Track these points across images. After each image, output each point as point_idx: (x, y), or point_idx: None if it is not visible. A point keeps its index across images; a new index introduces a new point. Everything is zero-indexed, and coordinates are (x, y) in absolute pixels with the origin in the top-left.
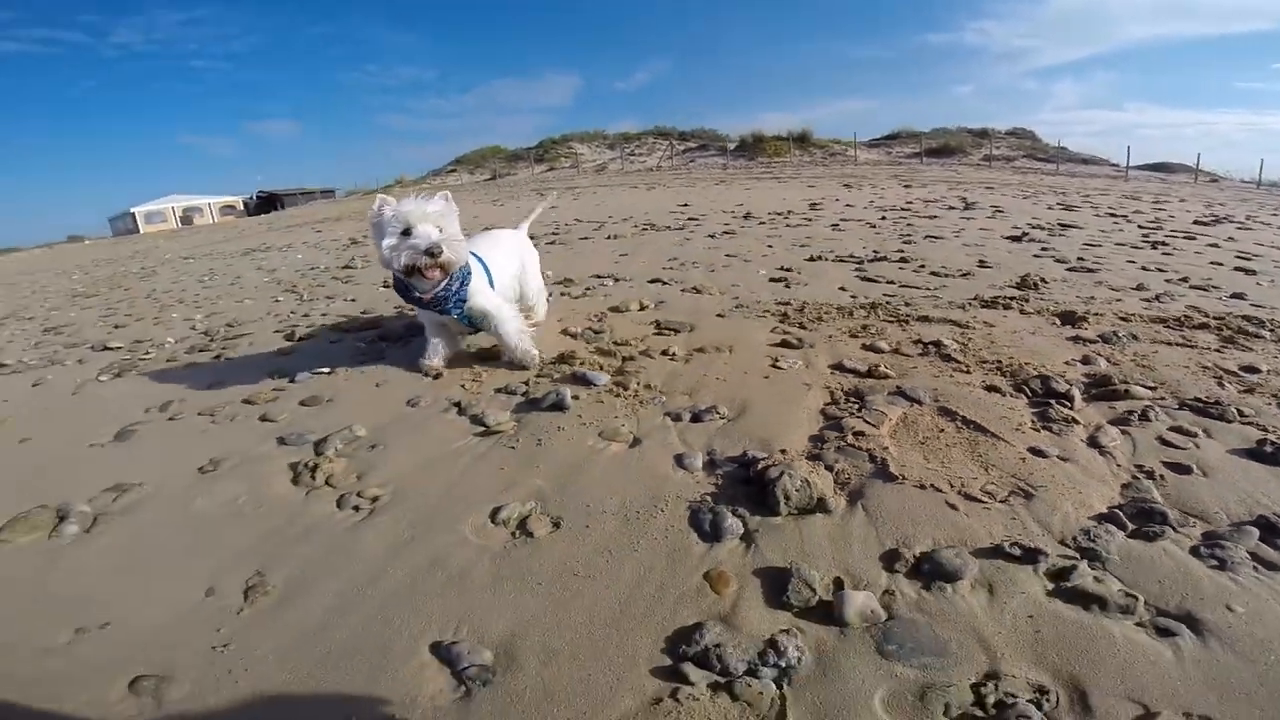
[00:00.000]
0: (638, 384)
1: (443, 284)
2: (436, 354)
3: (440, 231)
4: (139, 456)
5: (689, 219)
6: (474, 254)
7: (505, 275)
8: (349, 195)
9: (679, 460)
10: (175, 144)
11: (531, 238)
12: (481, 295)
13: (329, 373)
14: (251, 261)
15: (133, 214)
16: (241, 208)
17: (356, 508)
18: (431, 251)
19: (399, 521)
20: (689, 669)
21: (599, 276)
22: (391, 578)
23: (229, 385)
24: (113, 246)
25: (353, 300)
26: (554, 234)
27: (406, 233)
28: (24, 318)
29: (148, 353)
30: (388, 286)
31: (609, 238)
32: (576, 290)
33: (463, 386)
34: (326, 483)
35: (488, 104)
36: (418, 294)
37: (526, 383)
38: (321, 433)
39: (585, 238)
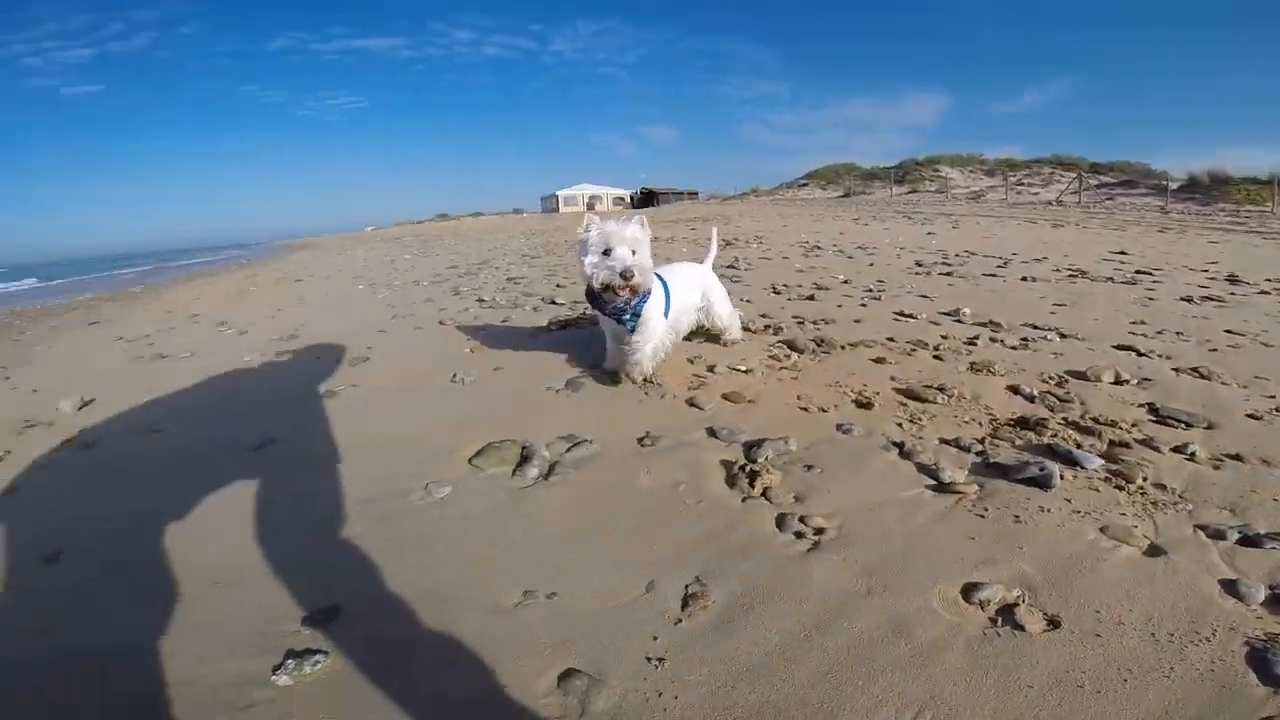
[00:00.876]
0: (1144, 479)
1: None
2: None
3: (634, 254)
4: (585, 410)
5: (1136, 271)
6: (661, 278)
7: (685, 302)
8: (710, 199)
9: (1228, 586)
10: (587, 141)
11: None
12: (649, 314)
13: (746, 371)
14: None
15: (556, 196)
16: (628, 200)
17: (799, 534)
18: (625, 274)
19: (851, 565)
20: None
21: (1035, 326)
22: (843, 631)
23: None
24: (541, 221)
25: (748, 301)
26: (945, 264)
27: (606, 252)
28: (493, 267)
29: (585, 313)
30: (777, 293)
31: (1024, 280)
32: (1010, 338)
33: (899, 425)
34: (764, 495)
35: (841, 121)
36: (607, 307)
37: (982, 440)
38: (751, 435)
39: (990, 274)
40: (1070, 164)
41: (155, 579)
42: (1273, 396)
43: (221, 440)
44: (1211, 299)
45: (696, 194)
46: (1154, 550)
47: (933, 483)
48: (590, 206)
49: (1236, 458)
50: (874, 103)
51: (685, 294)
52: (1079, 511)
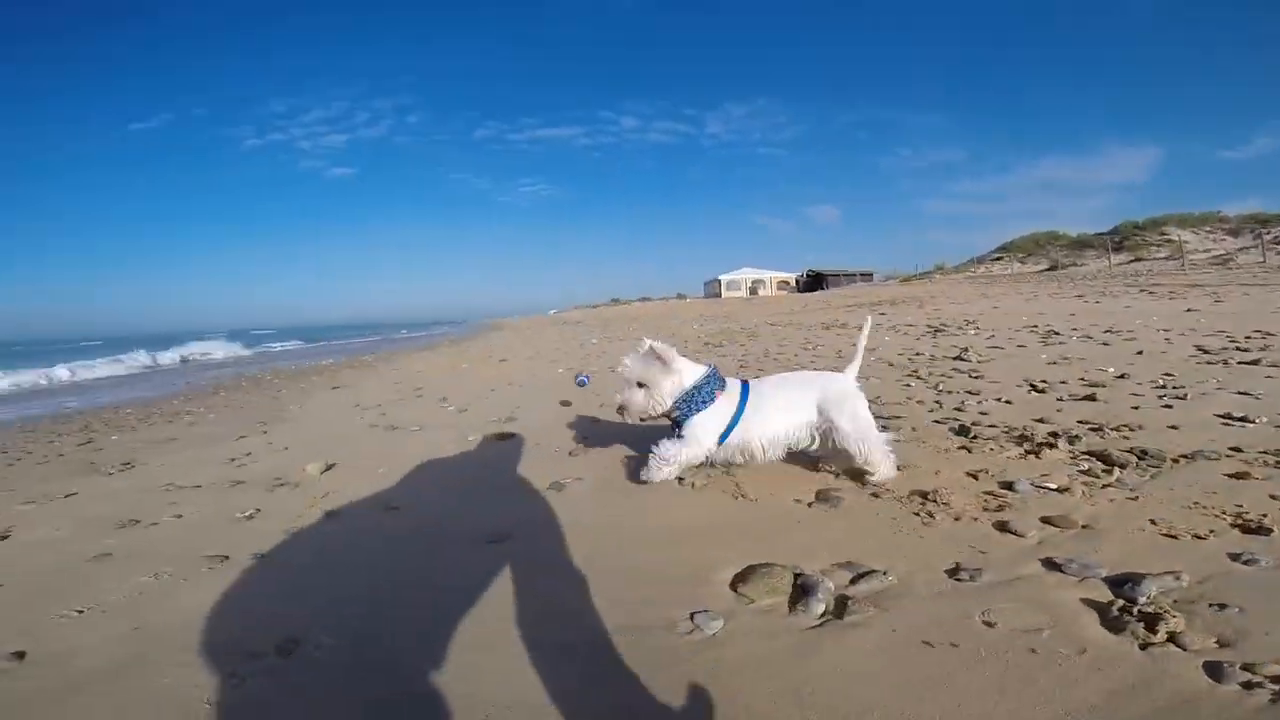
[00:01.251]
0: None
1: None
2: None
3: (641, 387)
4: (852, 530)
5: None
6: (746, 390)
7: (777, 425)
8: (887, 280)
9: None
10: (748, 223)
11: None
12: (695, 429)
13: (1060, 490)
14: (837, 337)
15: (719, 280)
16: (793, 284)
17: (1249, 684)
18: (619, 409)
19: None
20: None
21: None
22: None
23: (914, 465)
24: (706, 306)
25: (1006, 402)
26: (1239, 349)
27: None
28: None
29: None
30: (1039, 391)
31: None
32: None
33: None
34: (1171, 641)
35: (1033, 184)
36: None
37: None
38: (1111, 568)
39: None
40: None
41: (393, 697)
42: None
43: (456, 527)
44: None
45: (870, 275)
46: None
47: None
48: (754, 290)
49: None
50: (1069, 161)
51: (778, 415)
52: None
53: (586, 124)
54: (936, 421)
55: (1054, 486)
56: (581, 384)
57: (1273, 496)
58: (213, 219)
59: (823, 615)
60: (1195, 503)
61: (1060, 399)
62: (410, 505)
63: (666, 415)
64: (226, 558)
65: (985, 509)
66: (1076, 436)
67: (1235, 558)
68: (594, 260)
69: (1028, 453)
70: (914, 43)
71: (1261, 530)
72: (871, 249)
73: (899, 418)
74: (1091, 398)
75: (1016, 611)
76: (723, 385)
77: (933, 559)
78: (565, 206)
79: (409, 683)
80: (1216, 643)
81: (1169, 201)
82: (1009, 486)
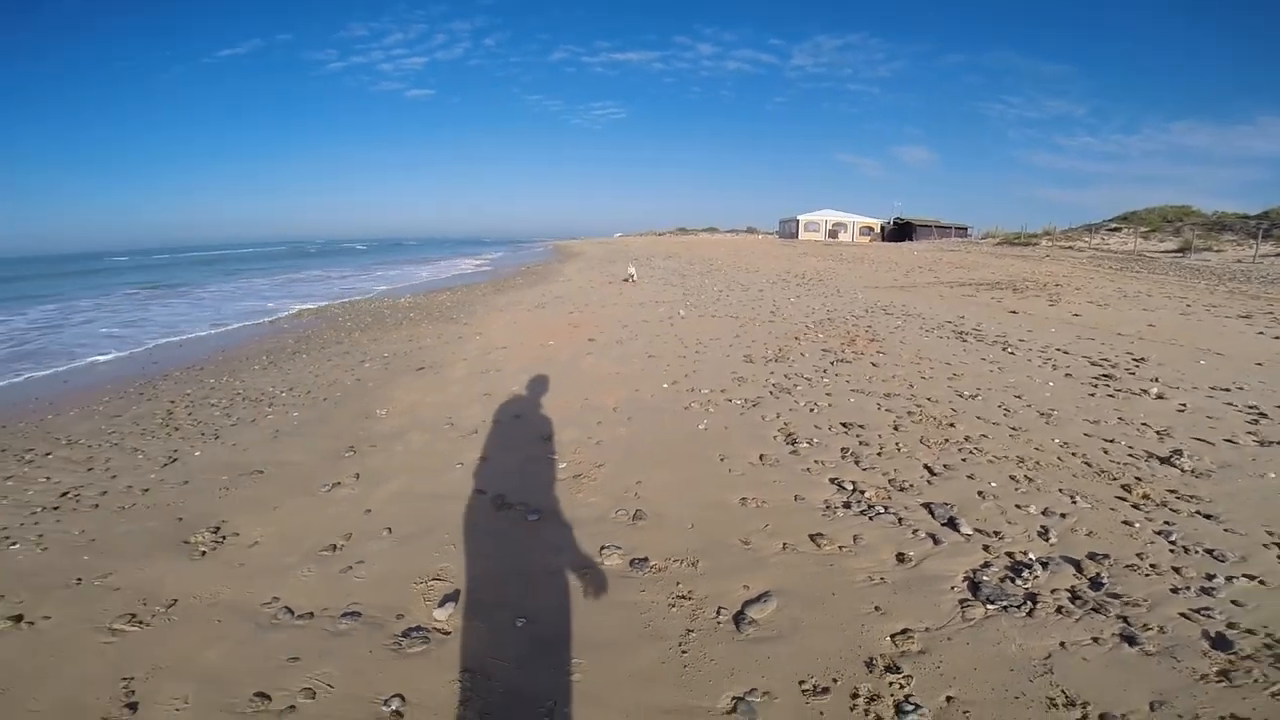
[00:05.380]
0: None
1: None
2: None
3: None
4: None
5: None
6: None
7: None
8: (984, 237)
9: None
10: (832, 160)
11: None
12: None
13: None
14: (985, 367)
15: (797, 220)
16: (877, 232)
17: None
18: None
19: None
20: None
21: None
22: None
23: None
24: (785, 252)
25: None
26: None
27: None
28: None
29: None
30: None
31: None
32: None
33: None
34: None
35: (1162, 148)
36: None
37: None
38: None
39: None
40: None
41: None
42: None
43: None
44: None
45: (966, 230)
46: None
47: None
48: (834, 235)
49: None
50: (1211, 127)
51: None
52: None
53: (661, 49)
54: None
55: None
56: None
57: None
58: (307, 136)
59: None
60: None
61: None
62: None
63: None
64: None
65: None
66: None
67: None
68: (662, 188)
69: None
70: None
71: None
72: (970, 198)
73: None
74: None
75: None
76: None
77: None
78: (637, 131)
79: None
80: None
81: None
82: None
